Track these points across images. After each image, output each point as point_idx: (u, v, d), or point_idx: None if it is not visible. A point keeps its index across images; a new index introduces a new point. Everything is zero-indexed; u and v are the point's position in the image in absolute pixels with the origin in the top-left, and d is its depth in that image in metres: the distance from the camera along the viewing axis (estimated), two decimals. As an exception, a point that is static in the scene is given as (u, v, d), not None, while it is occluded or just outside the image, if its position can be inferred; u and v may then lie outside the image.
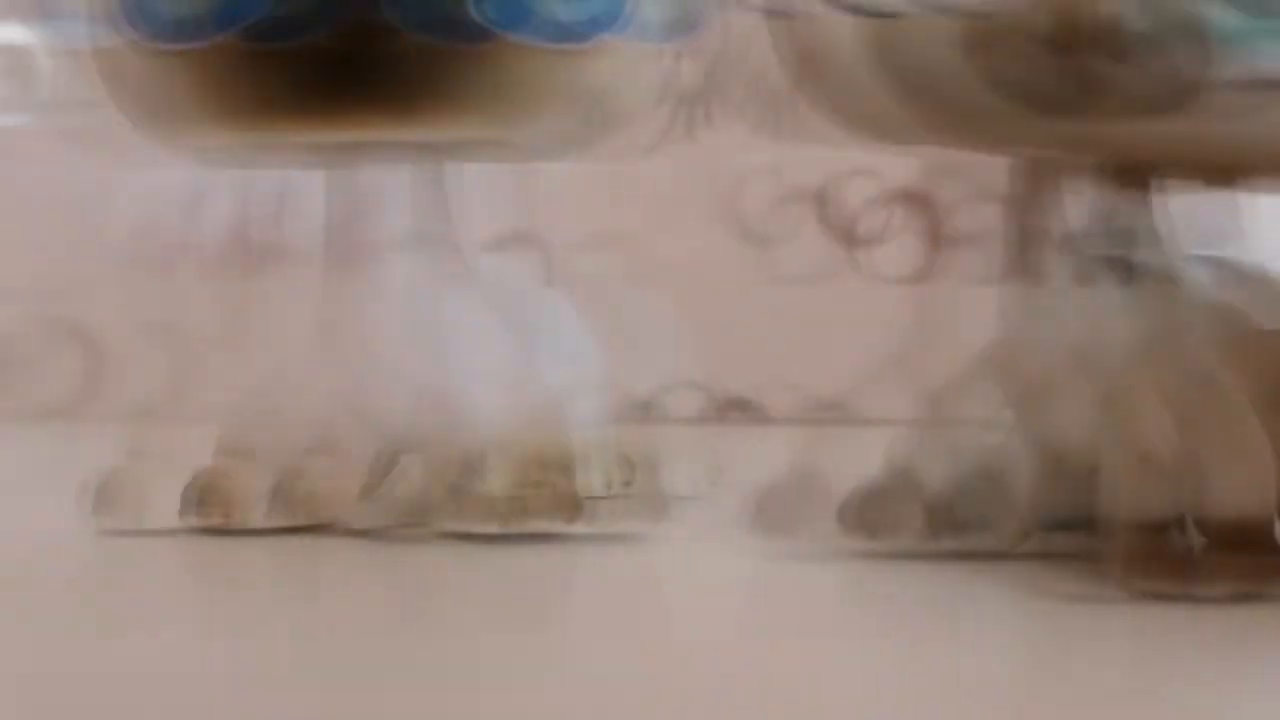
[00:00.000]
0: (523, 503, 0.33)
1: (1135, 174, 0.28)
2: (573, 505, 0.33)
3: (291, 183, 0.80)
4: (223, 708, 0.19)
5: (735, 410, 0.81)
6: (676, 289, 0.81)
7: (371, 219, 0.35)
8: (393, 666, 0.22)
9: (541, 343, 0.40)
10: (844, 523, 0.31)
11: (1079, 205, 0.29)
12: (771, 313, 0.80)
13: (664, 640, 0.24)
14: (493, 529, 0.33)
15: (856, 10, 0.27)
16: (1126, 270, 0.28)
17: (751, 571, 0.31)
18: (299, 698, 0.20)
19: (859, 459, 0.33)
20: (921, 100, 0.27)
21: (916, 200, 0.80)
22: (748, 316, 0.80)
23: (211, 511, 0.34)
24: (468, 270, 0.37)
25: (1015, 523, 0.31)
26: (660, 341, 0.81)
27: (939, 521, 0.30)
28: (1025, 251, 0.30)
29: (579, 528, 0.34)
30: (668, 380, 0.81)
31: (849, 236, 0.81)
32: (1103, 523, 0.28)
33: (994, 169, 0.30)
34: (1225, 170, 0.28)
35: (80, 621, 0.26)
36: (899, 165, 0.77)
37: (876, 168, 0.78)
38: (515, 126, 0.33)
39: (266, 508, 0.35)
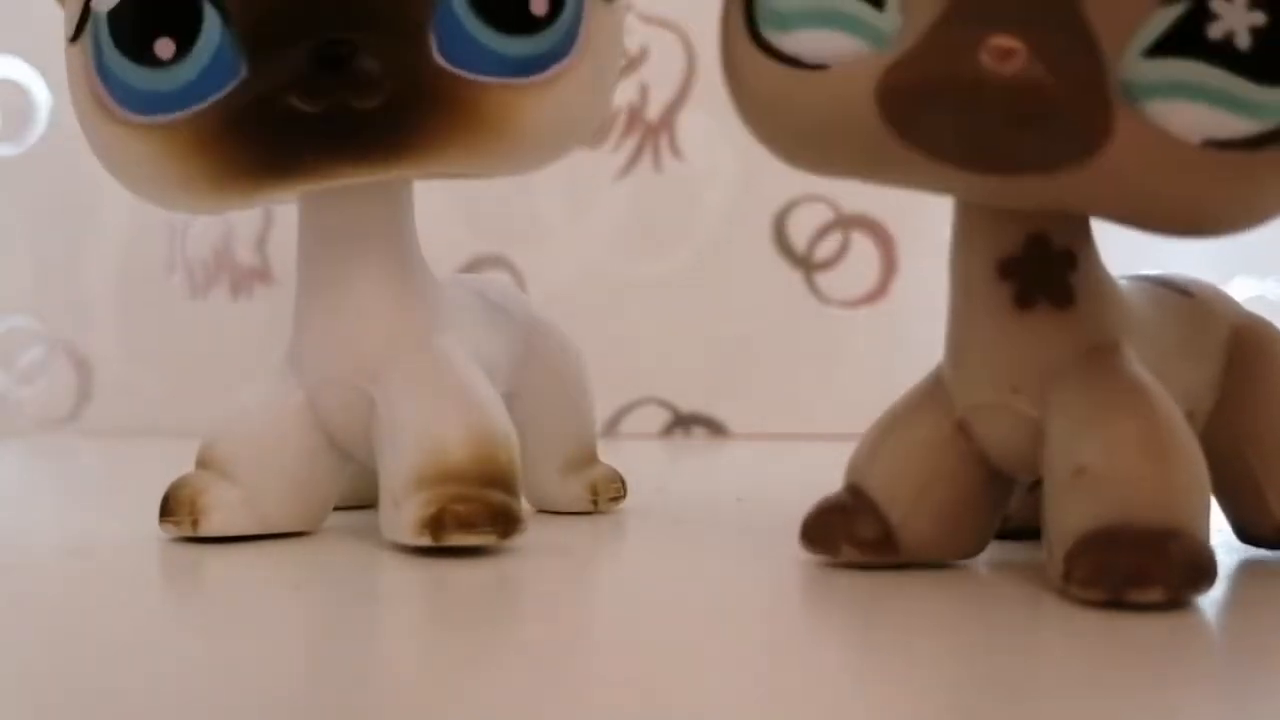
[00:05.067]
0: (455, 516, 0.32)
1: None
2: (507, 520, 0.33)
3: (276, 206, 0.81)
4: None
5: (697, 426, 0.83)
6: (643, 310, 0.82)
7: (344, 242, 0.35)
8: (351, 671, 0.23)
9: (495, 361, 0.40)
10: (805, 539, 0.31)
11: (1014, 228, 0.29)
12: (732, 332, 0.82)
13: (628, 648, 0.25)
14: (425, 542, 0.32)
15: (787, 60, 0.27)
16: (1063, 291, 0.29)
17: (707, 578, 0.32)
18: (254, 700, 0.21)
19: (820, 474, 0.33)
20: (837, 145, 0.27)
21: (869, 224, 0.82)
22: (711, 336, 0.82)
23: (171, 519, 0.35)
24: (433, 289, 0.37)
25: (965, 536, 0.31)
26: (625, 359, 0.81)
27: (894, 537, 0.30)
28: (967, 275, 0.30)
29: (515, 542, 0.33)
30: (631, 397, 0.83)
31: (805, 260, 0.82)
32: (1044, 534, 0.29)
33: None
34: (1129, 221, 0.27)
35: (73, 626, 0.27)
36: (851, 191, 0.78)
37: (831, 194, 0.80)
38: (481, 161, 0.33)
39: (228, 517, 0.35)
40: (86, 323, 0.86)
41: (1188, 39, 0.25)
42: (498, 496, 0.33)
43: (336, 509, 0.39)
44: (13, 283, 0.86)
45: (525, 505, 0.42)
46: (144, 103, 0.32)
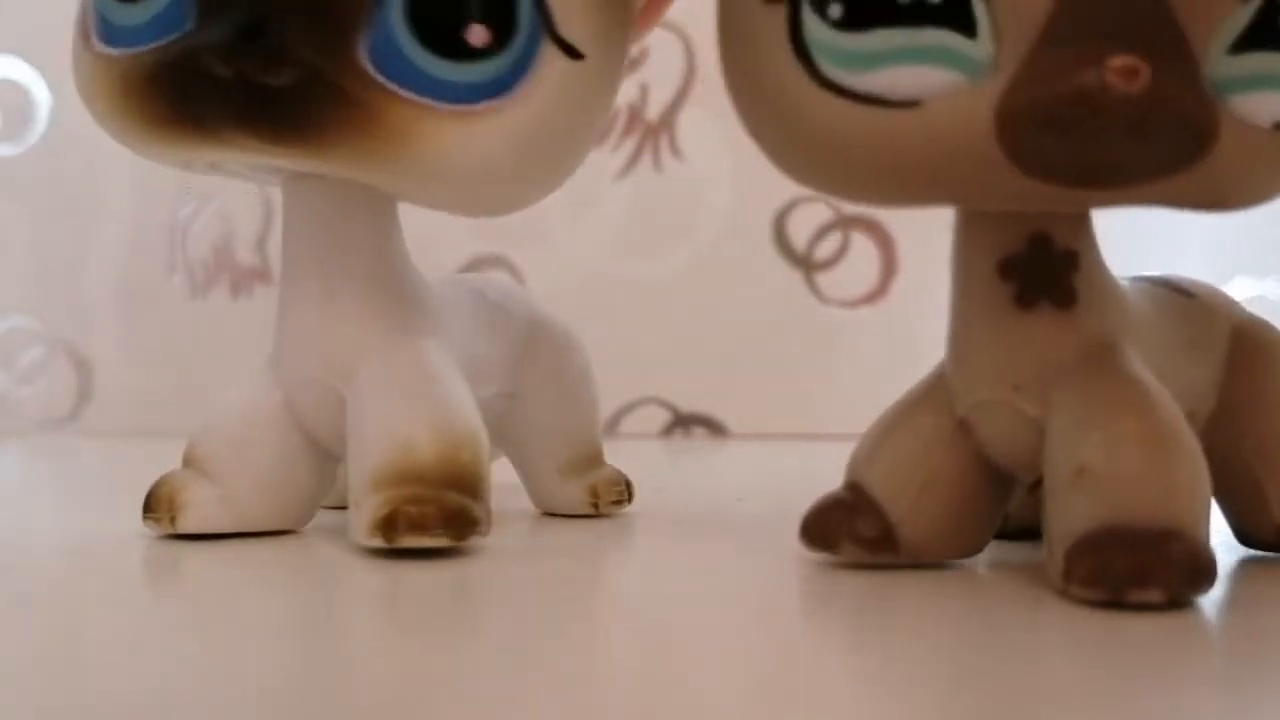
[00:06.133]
0: (408, 518, 0.32)
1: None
2: (462, 522, 0.32)
3: (276, 205, 0.81)
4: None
5: (697, 426, 0.83)
6: (643, 310, 0.82)
7: (323, 242, 0.35)
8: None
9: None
10: (805, 536, 0.31)
11: (1017, 228, 0.29)
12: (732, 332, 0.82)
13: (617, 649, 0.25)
14: (377, 544, 0.32)
15: (864, 99, 0.26)
16: (1065, 291, 0.29)
17: (706, 578, 0.32)
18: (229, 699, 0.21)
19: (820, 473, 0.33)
20: (938, 181, 0.27)
21: (869, 224, 0.82)
22: (711, 336, 0.82)
23: (151, 515, 0.35)
24: (420, 289, 0.37)
25: (966, 534, 0.31)
26: (625, 359, 0.81)
27: (895, 535, 0.31)
28: (968, 274, 0.30)
29: (472, 544, 0.33)
30: (631, 397, 0.83)
31: (805, 260, 0.82)
32: (1044, 534, 0.29)
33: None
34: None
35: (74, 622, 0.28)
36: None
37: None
38: (378, 172, 0.33)
39: (206, 515, 0.35)
40: (86, 323, 0.86)
41: (1264, 32, 0.26)
42: (455, 498, 0.33)
43: (331, 509, 0.39)
44: (13, 283, 0.86)
45: (530, 507, 0.43)
46: (110, 34, 0.33)
